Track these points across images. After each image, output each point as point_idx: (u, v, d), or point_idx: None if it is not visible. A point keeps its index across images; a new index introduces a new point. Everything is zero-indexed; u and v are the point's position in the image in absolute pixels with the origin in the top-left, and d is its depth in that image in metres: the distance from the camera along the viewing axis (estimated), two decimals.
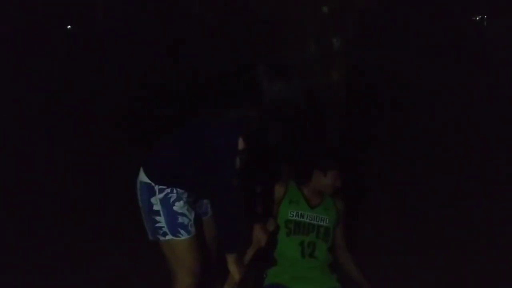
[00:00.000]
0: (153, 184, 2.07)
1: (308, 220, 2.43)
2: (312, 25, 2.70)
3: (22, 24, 8.81)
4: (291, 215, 2.43)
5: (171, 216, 2.08)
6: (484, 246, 3.21)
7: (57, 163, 4.70)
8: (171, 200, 2.07)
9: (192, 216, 2.12)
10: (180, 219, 2.08)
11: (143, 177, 2.10)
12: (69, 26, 10.00)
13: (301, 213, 2.43)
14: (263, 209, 2.43)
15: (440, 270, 2.98)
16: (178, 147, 2.12)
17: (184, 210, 2.09)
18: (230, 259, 2.11)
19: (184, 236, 2.09)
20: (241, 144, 2.03)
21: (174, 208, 2.07)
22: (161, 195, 2.06)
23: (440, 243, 3.30)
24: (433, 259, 3.07)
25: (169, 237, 2.08)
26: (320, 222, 2.44)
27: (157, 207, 2.07)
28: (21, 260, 3.04)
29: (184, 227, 2.09)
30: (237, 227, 2.09)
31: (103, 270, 2.95)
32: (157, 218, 2.08)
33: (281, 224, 2.44)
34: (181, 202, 2.09)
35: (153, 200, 2.07)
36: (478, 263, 3.00)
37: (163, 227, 2.08)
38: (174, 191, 2.07)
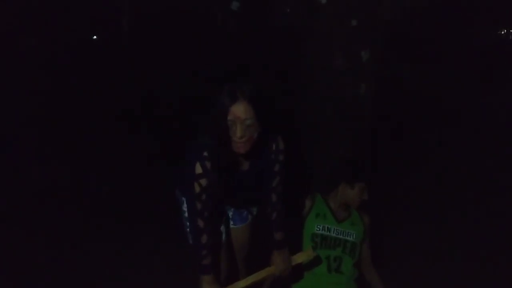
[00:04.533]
0: (179, 194, 2.25)
1: (334, 235, 2.39)
2: (340, 37, 2.69)
3: (48, 35, 9.00)
4: (318, 229, 2.39)
5: None
6: None
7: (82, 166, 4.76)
8: None
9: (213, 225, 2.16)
10: None
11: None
12: (94, 37, 10.21)
13: (327, 227, 2.40)
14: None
15: (465, 282, 2.90)
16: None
17: None
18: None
19: None
20: (198, 169, 1.95)
21: None
22: (185, 203, 2.19)
23: (466, 255, 3.21)
24: (460, 273, 3.00)
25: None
26: (347, 237, 2.40)
27: (185, 214, 2.22)
28: (22, 262, 3.03)
29: None
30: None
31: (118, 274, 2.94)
32: (187, 223, 2.22)
33: (307, 237, 2.40)
34: None
35: (183, 207, 2.23)
36: None
37: (189, 232, 2.21)
38: None
